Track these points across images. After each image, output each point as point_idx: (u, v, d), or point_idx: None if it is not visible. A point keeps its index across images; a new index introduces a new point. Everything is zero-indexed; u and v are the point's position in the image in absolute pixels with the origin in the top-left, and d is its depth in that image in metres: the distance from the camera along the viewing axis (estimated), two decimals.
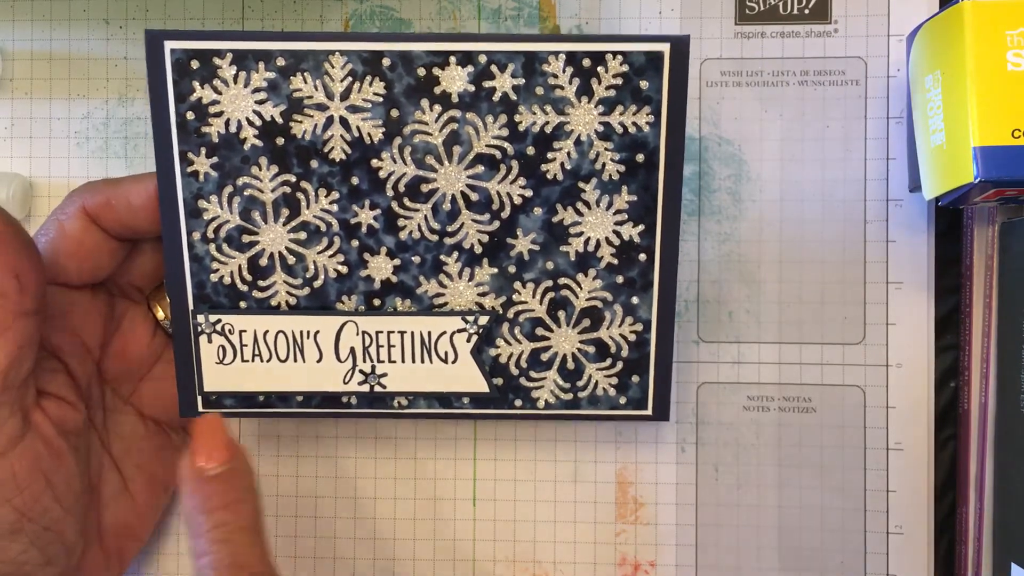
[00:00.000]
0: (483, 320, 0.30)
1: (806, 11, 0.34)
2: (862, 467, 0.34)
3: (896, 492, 0.34)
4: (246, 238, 0.29)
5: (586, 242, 0.30)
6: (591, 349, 0.30)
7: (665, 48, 0.28)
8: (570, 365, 0.30)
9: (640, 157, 0.29)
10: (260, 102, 0.28)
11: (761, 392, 0.34)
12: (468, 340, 0.30)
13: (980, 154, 0.28)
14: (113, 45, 0.36)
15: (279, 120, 0.28)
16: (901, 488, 0.34)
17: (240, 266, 0.30)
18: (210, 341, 0.30)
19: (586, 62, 0.28)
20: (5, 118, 0.36)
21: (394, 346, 0.30)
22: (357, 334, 0.30)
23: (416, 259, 0.30)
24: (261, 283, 0.30)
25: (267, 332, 0.30)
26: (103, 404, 0.32)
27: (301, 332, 0.30)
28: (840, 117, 0.34)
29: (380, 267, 0.30)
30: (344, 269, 0.30)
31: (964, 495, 0.33)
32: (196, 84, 0.28)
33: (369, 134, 0.29)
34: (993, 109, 0.28)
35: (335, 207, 0.29)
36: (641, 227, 0.29)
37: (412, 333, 0.30)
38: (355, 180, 0.29)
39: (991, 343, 0.32)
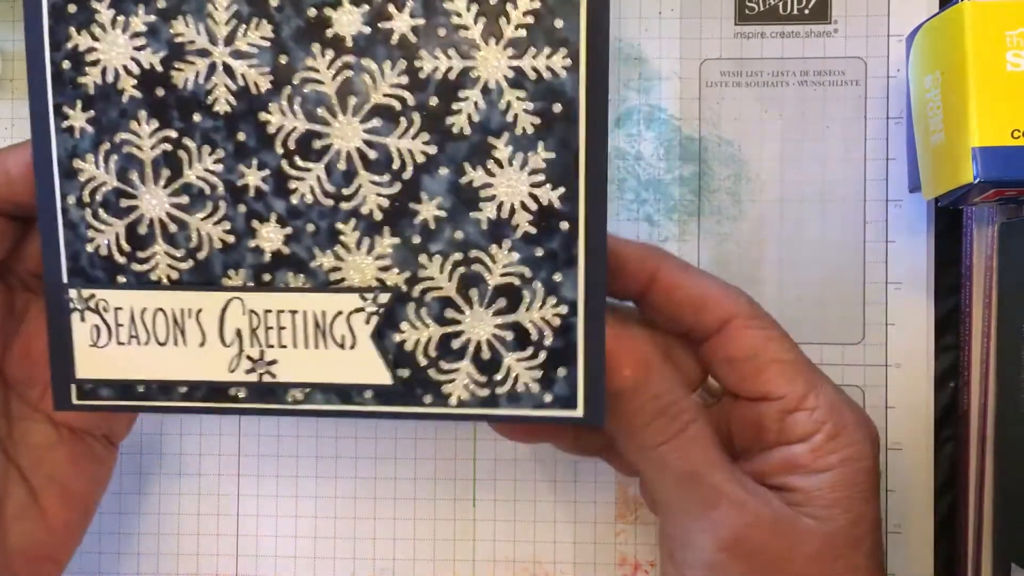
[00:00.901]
0: (383, 298, 0.26)
1: (806, 11, 0.34)
2: None
3: (896, 492, 0.34)
4: (124, 202, 0.27)
5: (499, 207, 0.26)
6: (509, 335, 0.26)
7: None
8: (485, 354, 0.26)
9: (557, 108, 0.25)
10: (139, 48, 0.26)
11: None
12: (367, 322, 0.26)
13: (980, 154, 0.28)
14: None
15: (159, 68, 0.26)
16: (901, 488, 0.34)
17: (117, 234, 0.27)
18: (83, 320, 0.27)
19: (492, 0, 0.25)
20: (5, 118, 0.36)
21: (284, 328, 0.27)
22: (244, 313, 0.27)
23: (310, 227, 0.26)
24: (140, 254, 0.27)
25: (144, 310, 0.27)
26: (7, 412, 0.29)
27: (182, 311, 0.27)
28: (840, 117, 0.34)
29: (270, 236, 0.26)
30: (231, 239, 0.26)
31: (964, 495, 0.33)
32: (72, 30, 0.26)
33: (256, 83, 0.26)
34: (993, 109, 0.28)
35: (220, 167, 0.26)
36: (561, 190, 0.26)
37: (305, 313, 0.27)
38: (241, 136, 0.26)
39: (991, 343, 0.32)
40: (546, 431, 0.30)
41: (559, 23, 0.25)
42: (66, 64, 0.26)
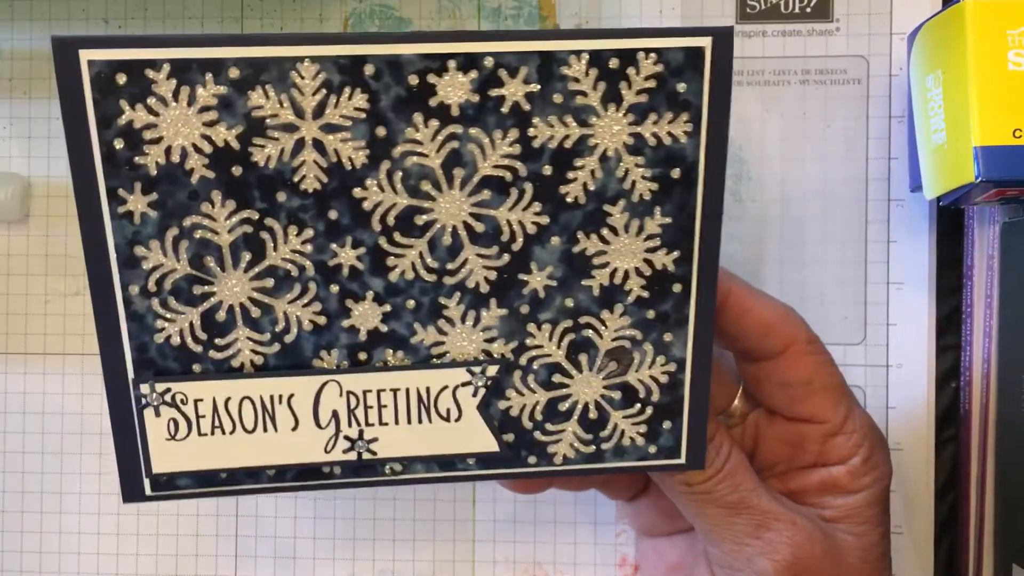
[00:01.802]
0: (491, 370, 0.25)
1: (808, 10, 0.34)
2: None
3: (897, 493, 0.34)
4: (198, 289, 0.24)
5: (612, 274, 0.25)
6: (617, 395, 0.26)
7: (707, 43, 0.23)
8: (592, 414, 0.26)
9: (676, 173, 0.24)
10: (210, 123, 0.23)
11: None
12: (474, 394, 0.26)
13: (981, 154, 0.27)
14: None
15: (235, 145, 0.23)
16: (902, 489, 0.34)
17: (192, 323, 0.25)
18: (158, 415, 0.25)
19: (613, 62, 0.23)
20: (5, 118, 0.36)
21: (385, 406, 0.25)
22: (340, 395, 0.25)
23: (410, 303, 0.25)
24: (219, 341, 0.25)
25: (229, 399, 0.25)
26: None
27: (272, 397, 0.25)
28: (841, 116, 0.34)
29: (366, 315, 0.25)
30: (322, 320, 0.25)
31: (965, 496, 0.33)
32: (125, 104, 0.23)
33: (350, 158, 0.23)
34: (994, 109, 0.28)
35: (309, 247, 0.24)
36: (676, 254, 0.25)
37: (407, 390, 0.25)
38: (333, 214, 0.24)
39: (992, 344, 0.32)
40: (574, 481, 0.31)
41: (681, 87, 0.24)
42: (119, 143, 0.23)
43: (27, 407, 0.36)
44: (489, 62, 0.23)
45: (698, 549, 0.30)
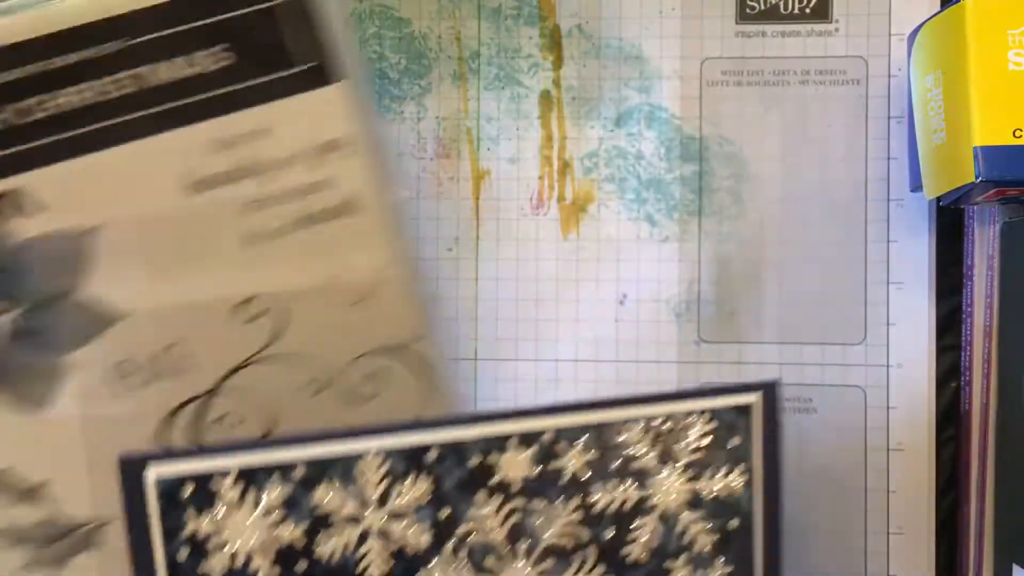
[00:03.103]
0: None
1: (807, 10, 0.34)
2: (863, 467, 0.34)
3: (897, 492, 0.34)
4: None
5: None
6: None
7: (755, 398, 0.24)
8: None
9: (734, 523, 0.24)
10: (275, 523, 0.23)
11: None
12: None
13: (981, 154, 0.28)
14: None
15: (300, 542, 0.23)
16: (902, 488, 0.34)
17: None
18: None
19: (667, 425, 0.24)
20: None
21: None
22: None
23: None
24: None
25: None
26: None
27: None
28: (841, 117, 0.34)
29: None
30: None
31: (965, 496, 0.33)
32: (191, 514, 0.23)
33: (414, 542, 0.24)
34: (994, 108, 0.28)
35: None
36: None
37: None
38: None
39: (992, 343, 0.32)
40: None
41: (735, 441, 0.24)
42: (183, 553, 0.23)
43: None
44: (548, 437, 0.24)
45: None
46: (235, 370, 0.28)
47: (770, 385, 0.24)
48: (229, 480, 0.23)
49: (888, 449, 0.34)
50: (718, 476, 0.24)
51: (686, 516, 0.24)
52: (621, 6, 0.35)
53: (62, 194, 0.27)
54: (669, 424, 0.24)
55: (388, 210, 0.29)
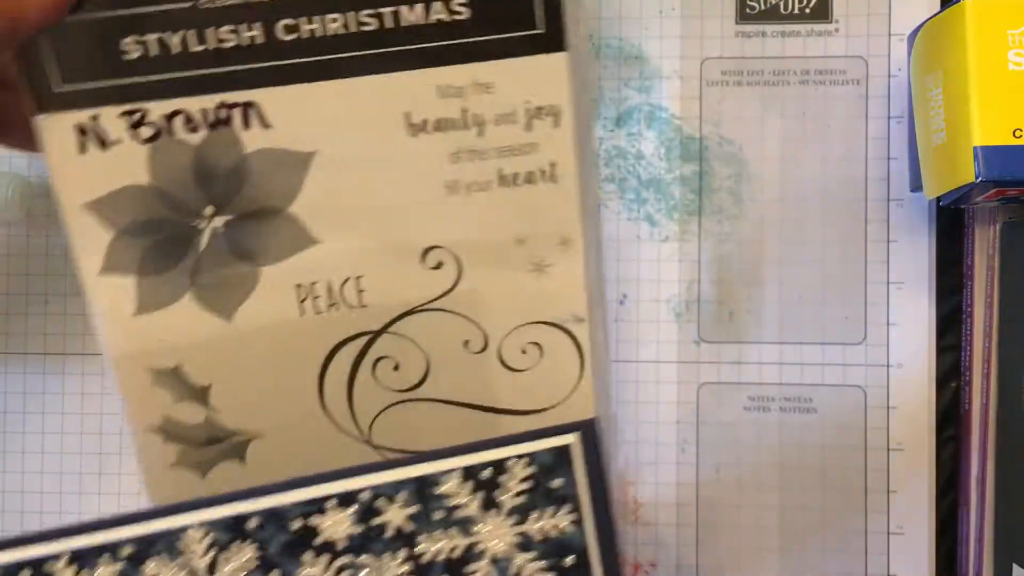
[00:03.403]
0: None
1: (807, 10, 0.34)
2: (863, 467, 0.34)
3: (897, 493, 0.34)
4: None
5: None
6: None
7: (573, 439, 0.25)
8: None
9: (570, 560, 0.25)
10: None
11: (762, 392, 0.34)
12: None
13: (981, 153, 0.28)
14: None
15: None
16: (902, 489, 0.34)
17: None
18: None
19: (486, 473, 0.25)
20: None
21: None
22: None
23: None
24: None
25: None
26: None
27: None
28: (841, 117, 0.34)
29: None
30: None
31: (965, 496, 0.33)
32: None
33: None
34: (994, 108, 0.28)
35: None
36: None
37: None
38: None
39: (992, 343, 0.32)
40: None
41: (557, 483, 0.25)
42: None
43: (27, 407, 0.36)
44: (366, 495, 0.24)
45: None
46: (405, 314, 0.30)
47: (588, 424, 0.25)
48: (62, 563, 0.24)
49: (888, 449, 0.34)
50: (545, 517, 0.25)
51: (520, 558, 0.25)
52: (621, 6, 0.35)
53: (290, 115, 0.28)
54: (488, 472, 0.25)
55: (584, 186, 0.30)
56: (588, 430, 0.25)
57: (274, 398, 0.30)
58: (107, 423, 0.36)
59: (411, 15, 0.27)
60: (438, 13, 0.27)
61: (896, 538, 0.34)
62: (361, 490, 0.24)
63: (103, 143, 0.28)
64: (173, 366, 0.30)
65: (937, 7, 0.33)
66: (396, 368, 0.30)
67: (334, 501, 0.24)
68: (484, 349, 0.30)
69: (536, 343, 0.30)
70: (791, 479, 0.34)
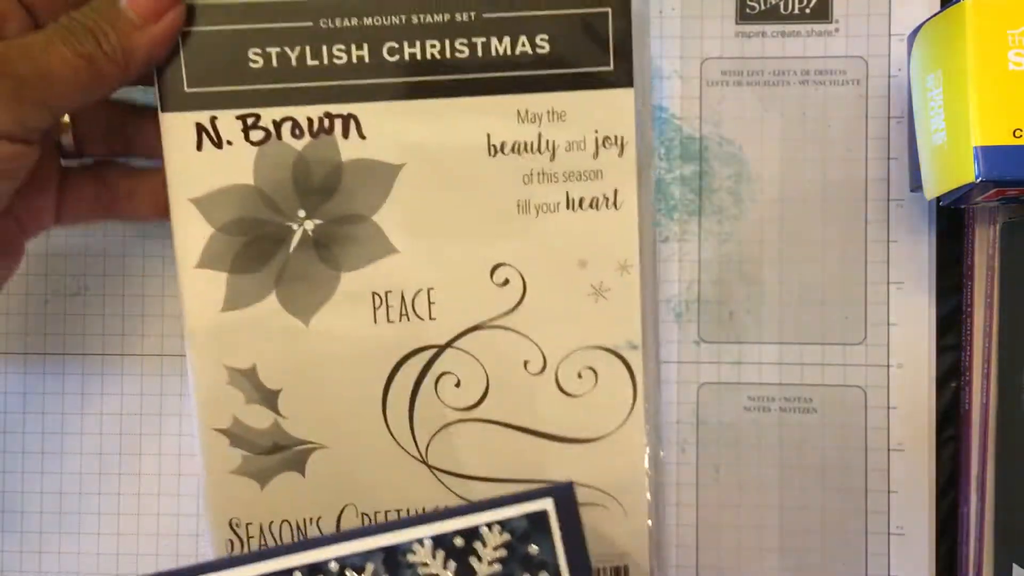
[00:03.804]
0: None
1: (807, 10, 0.34)
2: (863, 468, 0.34)
3: (897, 493, 0.34)
4: None
5: None
6: None
7: (548, 505, 0.25)
8: None
9: None
10: None
11: (762, 392, 0.34)
12: None
13: (981, 153, 0.28)
14: None
15: None
16: (902, 489, 0.34)
17: None
18: None
19: (458, 541, 0.25)
20: None
21: None
22: None
23: None
24: None
25: None
26: None
27: None
28: (841, 117, 0.34)
29: None
30: None
31: (965, 496, 0.33)
32: None
33: None
34: (994, 108, 0.28)
35: None
36: None
37: None
38: None
39: (992, 343, 0.32)
40: None
41: (534, 548, 0.25)
42: None
43: (27, 407, 0.36)
44: (334, 566, 0.24)
45: None
46: (470, 329, 0.31)
47: (563, 488, 0.24)
48: None
49: (888, 449, 0.34)
50: None
51: None
52: None
53: (384, 129, 0.31)
54: (460, 540, 0.24)
55: (643, 215, 0.32)
56: (562, 495, 0.25)
57: (339, 409, 0.31)
58: (107, 423, 0.36)
59: (499, 46, 0.30)
60: (523, 46, 0.30)
61: (896, 538, 0.34)
62: (327, 561, 0.24)
63: (218, 143, 0.30)
64: (249, 366, 0.31)
65: (937, 7, 0.33)
66: (457, 385, 0.31)
67: (301, 572, 0.24)
68: (543, 371, 0.31)
69: (591, 368, 0.31)
70: (791, 479, 0.34)
